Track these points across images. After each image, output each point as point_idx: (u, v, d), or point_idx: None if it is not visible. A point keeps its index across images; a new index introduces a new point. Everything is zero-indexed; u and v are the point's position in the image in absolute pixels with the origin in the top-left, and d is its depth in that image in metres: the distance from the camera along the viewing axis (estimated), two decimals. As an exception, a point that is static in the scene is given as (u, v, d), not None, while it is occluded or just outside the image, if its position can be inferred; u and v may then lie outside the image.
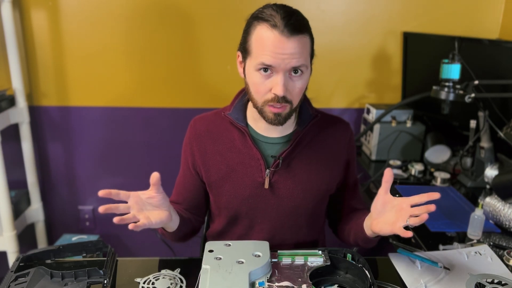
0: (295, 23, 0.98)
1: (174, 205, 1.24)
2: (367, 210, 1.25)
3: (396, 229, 0.94)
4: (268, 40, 0.98)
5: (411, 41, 2.04)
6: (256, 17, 1.02)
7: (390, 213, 0.99)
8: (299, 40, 0.99)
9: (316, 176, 1.16)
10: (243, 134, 1.15)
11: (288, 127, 1.16)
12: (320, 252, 1.04)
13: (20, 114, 2.00)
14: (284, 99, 1.02)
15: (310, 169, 1.16)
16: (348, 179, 1.23)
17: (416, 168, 1.86)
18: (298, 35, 0.98)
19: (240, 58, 1.09)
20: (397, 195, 1.65)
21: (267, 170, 1.13)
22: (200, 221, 1.28)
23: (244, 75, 1.09)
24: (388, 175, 0.99)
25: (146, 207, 0.97)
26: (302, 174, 1.15)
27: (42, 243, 2.24)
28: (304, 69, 1.02)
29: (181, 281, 1.02)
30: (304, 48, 1.01)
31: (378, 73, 2.15)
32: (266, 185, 1.13)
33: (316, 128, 1.18)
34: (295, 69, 1.01)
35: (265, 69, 1.01)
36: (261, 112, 1.07)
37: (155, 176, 0.95)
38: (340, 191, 1.24)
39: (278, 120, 1.06)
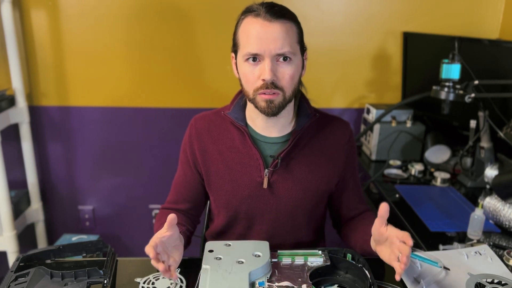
0: (278, 10, 1.02)
1: (172, 206, 1.24)
2: (369, 212, 1.25)
3: (391, 263, 0.95)
4: (252, 29, 1.01)
5: (411, 41, 2.04)
6: (243, 13, 1.06)
7: (385, 246, 0.98)
8: (282, 24, 1.01)
9: (315, 176, 1.16)
10: (242, 133, 1.15)
11: (287, 127, 1.16)
12: (320, 252, 1.04)
13: (20, 114, 2.00)
14: (273, 85, 1.02)
15: (309, 169, 1.16)
16: (348, 178, 1.23)
17: (416, 168, 1.86)
18: (281, 20, 1.01)
19: (234, 59, 1.11)
20: (396, 195, 1.66)
21: (266, 170, 1.13)
22: (196, 223, 1.27)
23: (237, 71, 1.10)
24: (383, 211, 0.95)
25: (168, 248, 0.95)
26: (301, 174, 1.15)
27: (42, 243, 2.25)
28: (292, 56, 1.03)
29: (181, 281, 1.02)
30: (288, 33, 1.02)
31: (378, 73, 2.15)
32: (265, 185, 1.13)
33: (315, 128, 1.18)
34: (284, 57, 1.02)
35: (253, 59, 1.03)
36: (254, 103, 1.07)
37: (173, 218, 0.93)
38: (340, 191, 1.23)
39: (271, 108, 1.05)
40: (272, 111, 1.06)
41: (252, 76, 1.04)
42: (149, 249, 0.87)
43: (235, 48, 1.09)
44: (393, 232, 0.94)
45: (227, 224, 1.22)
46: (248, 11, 1.04)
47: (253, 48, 1.01)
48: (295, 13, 1.07)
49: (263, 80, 1.02)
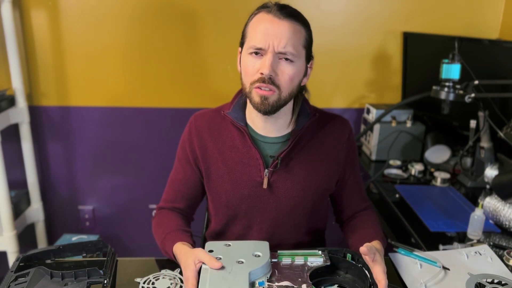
0: (290, 10, 1.04)
1: (169, 205, 1.24)
2: (370, 211, 1.25)
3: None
4: (261, 24, 1.03)
5: (411, 41, 2.04)
6: (257, 9, 1.08)
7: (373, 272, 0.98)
8: (290, 24, 1.02)
9: (315, 175, 1.16)
10: (242, 133, 1.15)
11: (287, 127, 1.16)
12: (320, 252, 1.04)
13: (20, 114, 2.00)
14: (270, 81, 1.02)
15: (309, 169, 1.16)
16: (348, 176, 1.23)
17: (416, 168, 1.86)
18: (291, 20, 1.02)
19: (240, 54, 1.11)
20: (396, 195, 1.66)
21: (266, 170, 1.13)
22: (190, 221, 1.28)
23: (240, 66, 1.10)
24: (363, 253, 0.96)
25: None
26: (301, 173, 1.15)
27: (42, 243, 2.24)
28: (294, 58, 1.03)
29: (181, 281, 1.02)
30: (294, 34, 1.02)
31: (378, 73, 2.15)
32: (265, 185, 1.13)
33: (315, 127, 1.18)
34: (286, 57, 1.03)
35: (256, 53, 1.03)
36: (249, 97, 1.07)
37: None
38: (341, 188, 1.24)
39: (264, 105, 1.04)
40: (265, 108, 1.05)
41: (252, 69, 1.04)
42: None
43: (242, 42, 1.09)
44: (375, 270, 0.95)
45: (226, 224, 1.22)
46: (262, 7, 1.06)
47: (258, 41, 1.02)
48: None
49: (261, 74, 1.02)
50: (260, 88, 1.03)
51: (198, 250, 0.98)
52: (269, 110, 1.05)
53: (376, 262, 0.96)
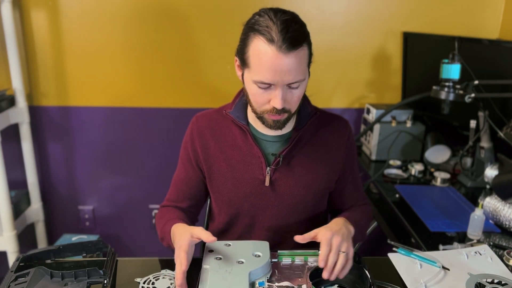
0: (293, 36, 0.95)
1: (172, 204, 1.24)
2: (366, 207, 1.26)
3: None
4: (266, 57, 0.97)
5: (411, 41, 2.05)
6: (252, 29, 0.99)
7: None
8: (296, 54, 0.97)
9: (316, 173, 1.17)
10: (244, 132, 1.15)
11: (288, 126, 1.17)
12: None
13: (20, 114, 2.00)
14: (282, 110, 1.04)
15: (310, 167, 1.16)
16: (348, 175, 1.23)
17: (416, 168, 1.86)
18: (296, 50, 0.96)
19: (238, 63, 1.08)
20: (396, 195, 1.66)
21: (268, 168, 1.14)
22: (194, 221, 1.28)
23: (243, 80, 1.09)
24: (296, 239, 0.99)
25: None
26: (302, 171, 1.16)
27: (42, 243, 2.25)
28: (302, 81, 1.03)
29: (181, 281, 1.02)
30: (301, 61, 0.99)
31: (378, 73, 2.15)
32: (267, 183, 1.14)
33: (315, 126, 1.19)
34: (295, 81, 1.02)
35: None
36: (260, 118, 1.09)
37: (213, 240, 0.95)
38: (340, 187, 1.24)
39: (277, 126, 1.08)
40: (277, 127, 1.09)
41: (262, 99, 1.04)
42: (181, 279, 0.91)
43: (242, 64, 1.04)
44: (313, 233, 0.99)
45: (229, 222, 1.22)
46: (260, 32, 0.97)
47: (266, 78, 0.99)
48: (300, 16, 1.03)
49: (273, 106, 1.02)
50: (272, 115, 1.05)
51: (197, 227, 0.99)
52: (281, 127, 1.10)
53: (318, 230, 0.99)
